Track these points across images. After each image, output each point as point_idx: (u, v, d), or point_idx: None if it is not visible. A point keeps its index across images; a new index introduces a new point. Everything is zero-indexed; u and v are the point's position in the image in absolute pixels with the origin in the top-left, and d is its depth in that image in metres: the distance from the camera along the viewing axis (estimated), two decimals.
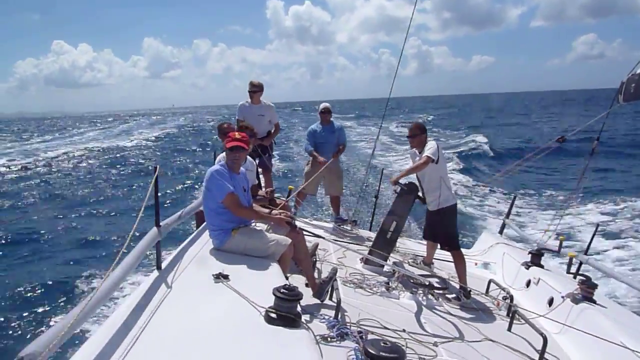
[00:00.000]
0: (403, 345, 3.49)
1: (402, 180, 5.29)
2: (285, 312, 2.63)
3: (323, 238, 4.99)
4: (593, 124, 6.12)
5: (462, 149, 25.87)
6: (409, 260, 5.93)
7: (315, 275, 4.47)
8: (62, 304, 7.79)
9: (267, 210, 4.29)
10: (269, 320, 2.65)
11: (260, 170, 6.57)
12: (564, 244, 6.28)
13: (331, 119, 7.18)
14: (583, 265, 5.57)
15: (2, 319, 7.17)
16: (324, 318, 3.75)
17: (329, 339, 3.39)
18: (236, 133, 4.07)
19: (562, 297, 4.48)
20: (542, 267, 5.42)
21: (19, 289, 8.31)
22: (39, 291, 8.27)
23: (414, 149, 5.25)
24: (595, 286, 4.47)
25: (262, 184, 6.34)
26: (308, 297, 4.03)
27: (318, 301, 4.08)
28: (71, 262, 9.81)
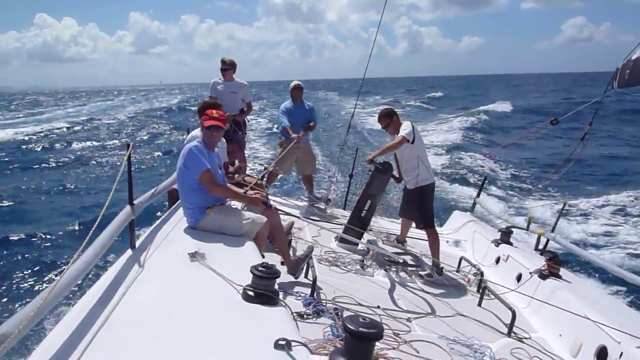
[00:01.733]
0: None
1: (377, 160, 5.31)
2: (263, 289, 2.63)
3: (298, 217, 4.99)
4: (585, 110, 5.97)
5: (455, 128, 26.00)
6: (383, 239, 6.00)
7: (291, 253, 4.48)
8: (34, 284, 7.60)
9: (242, 190, 4.25)
10: (247, 298, 2.64)
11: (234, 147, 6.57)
12: (533, 223, 6.46)
13: (302, 98, 7.18)
14: (550, 242, 5.74)
15: None
16: (299, 296, 3.77)
17: (305, 316, 3.42)
18: (214, 111, 3.98)
19: (530, 273, 4.63)
20: (511, 244, 5.57)
21: None
22: (10, 272, 8.04)
23: (394, 135, 5.26)
24: (561, 262, 4.64)
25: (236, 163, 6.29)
26: (283, 275, 4.04)
27: (293, 279, 4.10)
28: (42, 242, 9.53)
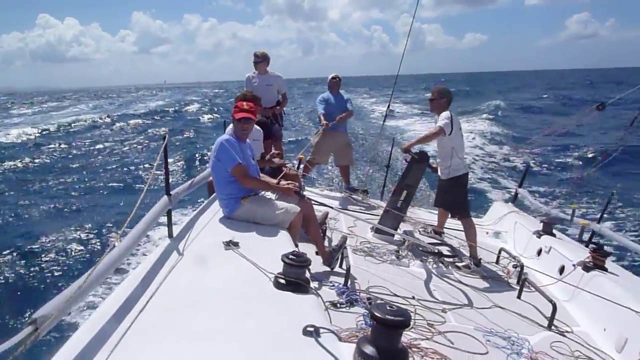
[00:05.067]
0: (412, 312, 3.53)
1: (413, 149, 5.25)
2: (293, 277, 2.66)
3: (331, 207, 5.00)
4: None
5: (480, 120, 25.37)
6: (420, 229, 5.94)
7: (326, 244, 4.50)
8: (74, 270, 7.97)
9: (275, 181, 4.30)
10: (278, 285, 2.68)
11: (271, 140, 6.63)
12: (577, 215, 6.22)
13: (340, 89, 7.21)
14: (596, 234, 5.52)
15: (18, 284, 7.39)
16: (333, 285, 3.79)
17: (338, 305, 3.44)
18: (244, 103, 4.04)
19: (573, 265, 4.46)
20: (553, 235, 5.39)
21: (32, 256, 8.50)
22: (52, 258, 8.45)
23: (434, 112, 5.19)
24: (607, 254, 4.44)
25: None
26: (318, 266, 4.07)
27: (328, 269, 4.12)
28: (82, 230, 9.97)
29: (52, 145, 22.54)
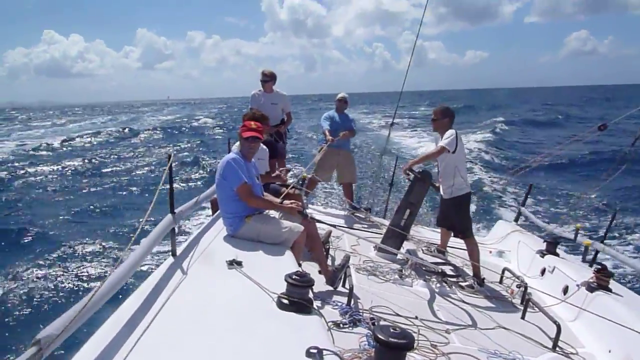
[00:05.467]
0: (415, 332, 3.52)
1: (416, 168, 5.27)
2: (296, 297, 2.66)
3: (335, 226, 5.01)
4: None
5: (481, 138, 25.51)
6: (423, 248, 5.93)
7: (329, 262, 4.50)
8: (78, 290, 7.94)
9: (278, 200, 4.32)
10: (281, 305, 2.68)
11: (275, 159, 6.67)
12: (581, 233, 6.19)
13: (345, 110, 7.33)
14: (600, 254, 5.49)
15: (22, 304, 7.36)
16: (336, 305, 3.79)
17: (341, 325, 3.44)
18: (252, 122, 4.08)
19: (577, 285, 4.44)
20: (557, 255, 5.37)
21: (36, 276, 8.47)
22: (55, 277, 8.42)
23: (437, 132, 5.21)
24: (611, 275, 4.42)
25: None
26: (321, 285, 4.07)
27: (331, 288, 4.12)
28: (86, 249, 9.96)
29: (55, 162, 22.70)
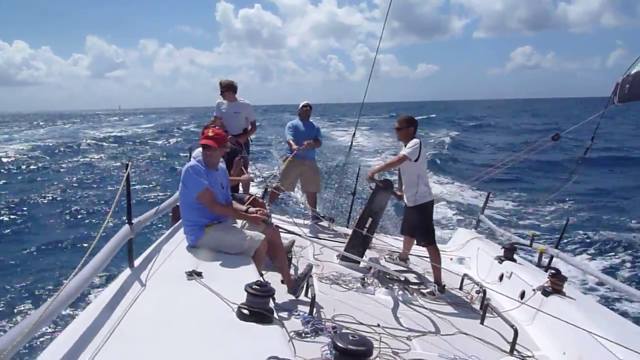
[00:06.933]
0: (377, 340, 3.53)
1: (377, 177, 5.32)
2: (257, 308, 2.63)
3: (299, 235, 4.99)
4: (583, 126, 5.89)
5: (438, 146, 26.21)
6: (385, 256, 5.98)
7: (292, 272, 4.47)
8: (29, 304, 7.62)
9: (243, 208, 4.27)
10: (241, 316, 2.64)
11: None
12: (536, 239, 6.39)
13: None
14: (554, 258, 5.68)
15: None
16: (299, 314, 3.76)
17: (303, 335, 3.42)
18: (210, 131, 4.04)
19: (534, 290, 4.57)
20: (514, 261, 5.52)
21: None
22: (5, 292, 8.06)
23: (401, 142, 5.27)
24: (564, 279, 4.58)
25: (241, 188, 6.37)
26: (284, 294, 4.04)
27: (294, 298, 4.10)
28: (39, 263, 9.56)
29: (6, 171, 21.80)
